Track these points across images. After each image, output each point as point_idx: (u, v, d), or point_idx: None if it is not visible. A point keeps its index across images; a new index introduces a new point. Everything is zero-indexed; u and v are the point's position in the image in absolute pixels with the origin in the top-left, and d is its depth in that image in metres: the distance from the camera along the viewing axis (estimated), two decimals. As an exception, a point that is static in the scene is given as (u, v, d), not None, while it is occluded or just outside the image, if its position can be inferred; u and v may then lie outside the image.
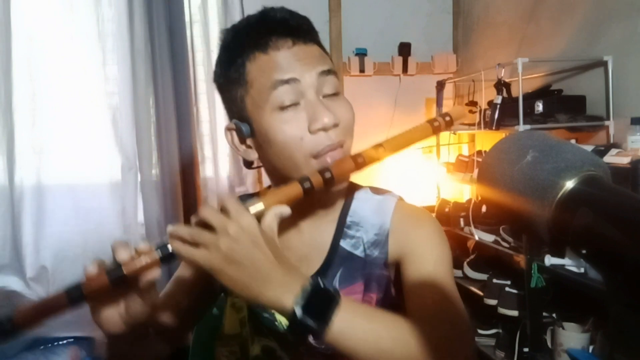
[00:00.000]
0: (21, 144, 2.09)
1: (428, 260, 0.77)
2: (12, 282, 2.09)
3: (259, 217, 0.64)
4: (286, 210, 0.66)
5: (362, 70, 2.58)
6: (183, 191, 2.26)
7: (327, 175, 0.69)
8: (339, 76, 0.77)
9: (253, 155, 0.80)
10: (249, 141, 0.79)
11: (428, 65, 2.73)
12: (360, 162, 0.70)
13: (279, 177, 0.78)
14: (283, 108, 0.73)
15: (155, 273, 0.62)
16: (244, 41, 0.76)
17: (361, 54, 2.57)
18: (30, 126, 2.10)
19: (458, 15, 2.79)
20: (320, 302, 0.61)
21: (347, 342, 0.61)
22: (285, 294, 0.61)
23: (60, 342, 2.12)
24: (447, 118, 0.74)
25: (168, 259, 0.62)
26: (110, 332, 0.66)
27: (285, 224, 0.80)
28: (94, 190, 2.18)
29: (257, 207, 0.65)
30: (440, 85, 2.55)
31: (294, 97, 0.73)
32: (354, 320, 0.62)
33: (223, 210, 0.62)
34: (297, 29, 0.76)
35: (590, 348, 1.65)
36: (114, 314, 0.65)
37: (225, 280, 0.61)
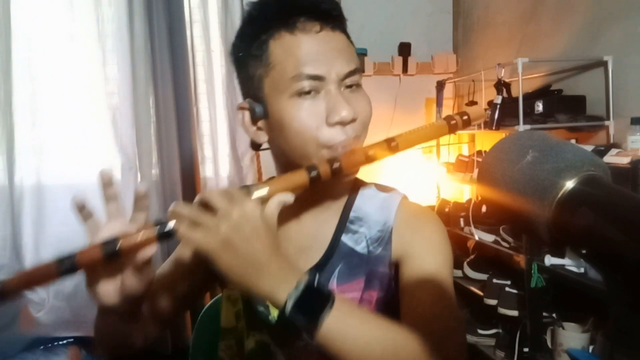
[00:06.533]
0: (21, 144, 2.08)
1: (427, 260, 0.76)
2: (12, 282, 2.09)
3: (262, 202, 0.63)
4: (289, 198, 0.65)
5: (362, 70, 2.58)
6: (183, 191, 2.26)
7: (336, 165, 0.67)
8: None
9: (263, 137, 0.78)
10: (260, 123, 0.77)
11: (428, 65, 2.73)
12: (370, 155, 0.68)
13: (286, 163, 0.76)
14: (302, 94, 0.71)
15: (151, 250, 0.61)
16: (270, 17, 0.73)
17: (361, 54, 2.57)
18: (30, 126, 2.10)
19: (458, 15, 2.79)
20: (313, 299, 0.60)
21: (336, 343, 0.60)
22: (279, 287, 0.60)
23: (60, 342, 2.11)
24: (465, 117, 0.71)
25: (166, 236, 0.61)
26: (104, 305, 0.65)
27: (287, 214, 0.79)
28: (94, 190, 2.17)
29: (261, 192, 0.64)
30: (440, 85, 2.54)
31: (315, 85, 0.71)
32: (346, 322, 0.61)
33: (227, 195, 0.61)
34: (327, 13, 0.73)
35: (590, 348, 1.65)
36: (110, 287, 0.65)
37: (220, 266, 0.60)
